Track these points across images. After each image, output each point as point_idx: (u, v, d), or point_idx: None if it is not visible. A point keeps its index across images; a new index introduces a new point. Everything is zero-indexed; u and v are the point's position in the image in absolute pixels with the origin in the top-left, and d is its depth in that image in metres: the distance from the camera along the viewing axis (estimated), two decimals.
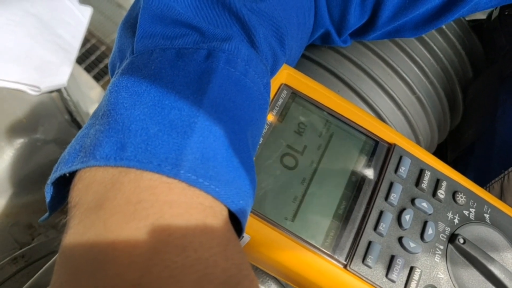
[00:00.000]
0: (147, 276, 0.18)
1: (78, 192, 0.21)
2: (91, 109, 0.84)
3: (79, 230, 0.20)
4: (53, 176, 0.22)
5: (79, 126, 0.68)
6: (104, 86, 1.60)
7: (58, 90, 0.69)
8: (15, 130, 0.59)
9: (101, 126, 0.22)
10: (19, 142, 0.59)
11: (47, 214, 0.26)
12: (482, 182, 0.38)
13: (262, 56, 0.27)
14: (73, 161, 0.22)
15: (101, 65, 1.68)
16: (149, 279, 0.18)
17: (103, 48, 1.70)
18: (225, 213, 0.22)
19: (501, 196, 0.38)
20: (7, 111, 0.60)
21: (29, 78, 0.63)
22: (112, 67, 0.29)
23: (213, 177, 0.21)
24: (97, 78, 1.63)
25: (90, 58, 1.64)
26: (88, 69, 1.62)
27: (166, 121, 0.22)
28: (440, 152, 0.49)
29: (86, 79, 0.96)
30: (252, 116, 0.25)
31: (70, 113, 0.68)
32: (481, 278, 0.30)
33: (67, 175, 0.22)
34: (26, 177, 0.59)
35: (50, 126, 0.63)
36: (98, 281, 0.18)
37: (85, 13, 0.81)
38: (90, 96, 0.92)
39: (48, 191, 0.23)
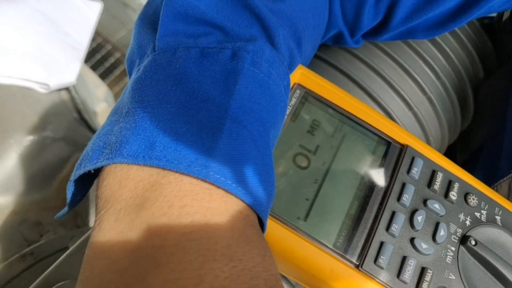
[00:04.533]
0: (200, 286, 0.18)
1: (109, 187, 0.21)
2: (98, 107, 0.84)
3: (118, 228, 0.20)
4: (77, 173, 0.22)
5: (87, 125, 0.69)
6: (110, 85, 1.60)
7: (67, 89, 0.70)
8: (25, 127, 0.59)
9: (126, 123, 0.22)
10: (29, 139, 0.59)
11: (64, 210, 0.26)
12: (489, 181, 0.38)
13: (281, 57, 0.27)
14: (97, 158, 0.22)
15: (107, 64, 1.68)
16: None
17: (108, 47, 1.70)
18: (256, 220, 0.22)
19: (508, 196, 0.38)
20: (17, 109, 0.60)
21: (38, 76, 0.63)
22: (131, 63, 0.29)
23: (240, 180, 0.21)
24: (103, 76, 1.63)
25: (96, 56, 1.64)
26: (93, 68, 1.62)
27: (194, 121, 0.22)
28: (449, 154, 0.49)
29: (92, 78, 0.96)
30: (274, 118, 0.25)
31: (78, 112, 0.68)
32: (492, 280, 0.30)
33: (92, 171, 0.22)
34: (35, 175, 0.60)
35: (59, 124, 0.63)
36: (149, 285, 0.18)
37: (95, 9, 0.81)
38: (97, 94, 0.93)
39: (70, 188, 0.23)
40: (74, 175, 0.23)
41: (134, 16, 1.48)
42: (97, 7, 0.81)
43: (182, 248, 0.18)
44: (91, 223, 0.62)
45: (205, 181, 0.21)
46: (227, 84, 0.24)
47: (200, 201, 0.20)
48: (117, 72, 1.67)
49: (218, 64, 0.24)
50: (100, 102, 0.90)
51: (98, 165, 0.22)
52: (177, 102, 0.23)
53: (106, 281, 0.18)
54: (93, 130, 0.69)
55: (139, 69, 0.26)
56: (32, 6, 0.69)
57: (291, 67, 0.30)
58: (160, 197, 0.20)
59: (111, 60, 1.69)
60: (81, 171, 0.22)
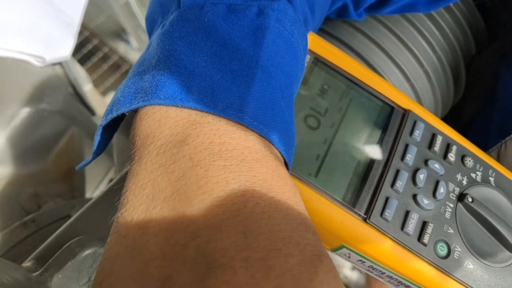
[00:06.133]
0: (244, 210, 0.19)
1: (148, 126, 0.22)
2: (86, 87, 0.84)
3: (160, 161, 0.20)
4: (108, 117, 0.23)
5: (81, 100, 0.69)
6: (88, 71, 1.58)
7: (60, 64, 0.70)
8: (21, 100, 0.59)
9: (159, 70, 0.23)
10: (25, 111, 0.59)
11: (88, 159, 0.27)
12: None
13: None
14: (131, 101, 0.23)
15: (84, 50, 1.65)
16: (246, 212, 0.19)
17: (86, 33, 1.68)
18: (284, 163, 0.24)
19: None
20: (14, 82, 0.60)
21: (34, 49, 0.63)
22: (151, 22, 0.30)
23: (271, 126, 0.23)
24: (81, 62, 1.61)
25: None
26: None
27: (227, 69, 0.23)
28: None
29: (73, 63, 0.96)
30: (296, 73, 0.27)
31: (73, 87, 0.68)
32: (487, 234, 0.32)
33: (126, 113, 0.23)
34: (31, 147, 0.60)
35: (55, 98, 0.63)
36: (197, 210, 0.18)
37: None
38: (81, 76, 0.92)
39: (98, 134, 0.24)
40: (105, 120, 0.23)
41: (113, 3, 1.46)
42: None
43: (224, 179, 0.20)
44: (88, 195, 0.63)
45: (240, 124, 0.22)
46: (255, 38, 0.25)
47: (237, 139, 0.21)
48: (94, 59, 1.65)
49: (245, 19, 0.25)
50: (87, 82, 0.90)
51: (133, 107, 0.22)
52: (209, 51, 0.24)
53: (151, 207, 0.19)
54: (87, 106, 0.69)
55: (164, 24, 0.27)
56: None
57: None
58: (201, 134, 0.21)
59: (89, 46, 1.66)
60: (113, 115, 0.23)
